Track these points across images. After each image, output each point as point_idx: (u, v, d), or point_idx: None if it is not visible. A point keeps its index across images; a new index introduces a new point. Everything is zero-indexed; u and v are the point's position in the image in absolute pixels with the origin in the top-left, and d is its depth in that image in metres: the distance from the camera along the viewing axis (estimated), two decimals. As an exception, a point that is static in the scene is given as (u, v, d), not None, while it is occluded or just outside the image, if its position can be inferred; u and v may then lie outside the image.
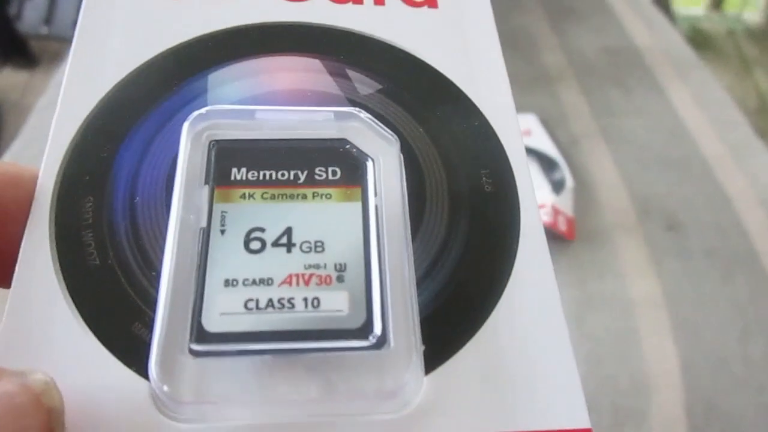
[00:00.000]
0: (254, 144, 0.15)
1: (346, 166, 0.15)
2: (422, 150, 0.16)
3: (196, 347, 0.13)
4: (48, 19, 1.27)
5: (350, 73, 0.17)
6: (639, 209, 0.52)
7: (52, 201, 0.15)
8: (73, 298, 0.14)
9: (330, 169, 0.15)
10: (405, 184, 0.15)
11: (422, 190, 0.16)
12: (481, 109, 0.17)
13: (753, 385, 0.42)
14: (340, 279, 0.13)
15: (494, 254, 0.15)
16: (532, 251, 0.15)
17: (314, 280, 0.13)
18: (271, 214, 0.14)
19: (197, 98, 0.17)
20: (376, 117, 0.16)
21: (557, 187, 0.52)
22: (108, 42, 0.17)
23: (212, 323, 0.13)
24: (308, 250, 0.14)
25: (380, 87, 0.17)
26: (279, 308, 0.13)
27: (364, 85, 0.17)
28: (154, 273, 0.14)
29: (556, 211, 0.50)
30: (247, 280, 0.13)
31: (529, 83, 0.63)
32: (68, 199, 0.15)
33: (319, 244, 0.14)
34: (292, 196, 0.14)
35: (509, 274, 0.15)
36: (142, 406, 0.13)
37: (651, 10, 0.79)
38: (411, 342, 0.13)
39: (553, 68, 0.66)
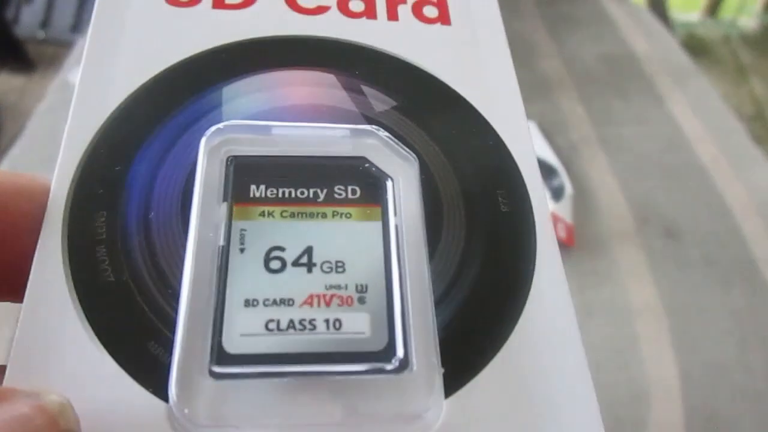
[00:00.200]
0: (273, 161, 0.15)
1: (365, 184, 0.15)
2: (438, 169, 0.16)
3: (217, 369, 0.12)
4: (45, 23, 1.27)
5: (365, 89, 0.17)
6: (638, 217, 0.53)
7: (64, 215, 0.15)
8: (86, 315, 0.13)
9: (349, 188, 0.15)
10: (422, 204, 0.15)
11: (439, 210, 0.16)
12: (495, 127, 0.17)
13: (752, 392, 0.42)
14: (361, 300, 0.13)
15: (512, 274, 0.15)
16: (548, 270, 0.15)
17: (335, 300, 0.13)
18: (290, 232, 0.14)
19: (212, 111, 0.16)
20: (391, 134, 0.16)
21: (556, 194, 0.52)
22: (120, 53, 0.17)
23: (233, 344, 0.13)
24: (329, 270, 0.14)
25: (395, 104, 0.17)
26: (300, 329, 0.13)
27: (379, 101, 0.17)
28: (170, 290, 0.14)
29: (555, 219, 0.50)
30: (267, 300, 0.13)
31: (527, 91, 0.63)
32: (81, 214, 0.15)
33: (339, 264, 0.14)
34: (311, 215, 0.14)
35: (527, 294, 0.15)
36: (159, 428, 0.12)
37: (649, 17, 0.79)
38: (432, 364, 0.13)
39: (551, 76, 0.67)
